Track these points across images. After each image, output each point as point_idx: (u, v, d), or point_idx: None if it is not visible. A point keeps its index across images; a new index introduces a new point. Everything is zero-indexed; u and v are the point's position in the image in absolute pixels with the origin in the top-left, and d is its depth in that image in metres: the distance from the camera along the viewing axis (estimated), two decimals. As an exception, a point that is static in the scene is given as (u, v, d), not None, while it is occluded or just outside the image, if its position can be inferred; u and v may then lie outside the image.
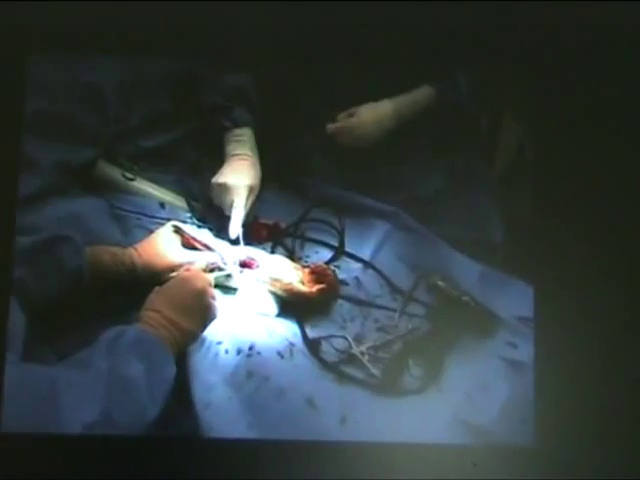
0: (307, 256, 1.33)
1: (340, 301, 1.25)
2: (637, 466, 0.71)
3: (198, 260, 1.17)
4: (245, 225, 1.26)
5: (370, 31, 0.98)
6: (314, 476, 0.77)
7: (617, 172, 0.77)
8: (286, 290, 1.22)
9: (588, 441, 0.70)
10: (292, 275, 1.23)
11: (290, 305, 1.22)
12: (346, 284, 1.29)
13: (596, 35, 0.73)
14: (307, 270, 1.25)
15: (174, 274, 1.14)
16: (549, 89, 0.76)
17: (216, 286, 1.16)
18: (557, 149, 0.79)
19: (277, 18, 0.87)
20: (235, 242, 1.25)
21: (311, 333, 1.18)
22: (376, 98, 1.29)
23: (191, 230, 1.23)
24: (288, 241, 1.35)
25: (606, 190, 0.77)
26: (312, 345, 1.16)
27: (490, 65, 1.16)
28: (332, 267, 1.30)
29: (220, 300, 1.14)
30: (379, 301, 1.26)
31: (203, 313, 1.07)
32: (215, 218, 1.31)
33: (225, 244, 1.25)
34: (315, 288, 1.22)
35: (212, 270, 1.18)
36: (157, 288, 1.07)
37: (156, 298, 1.05)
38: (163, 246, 1.17)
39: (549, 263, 0.81)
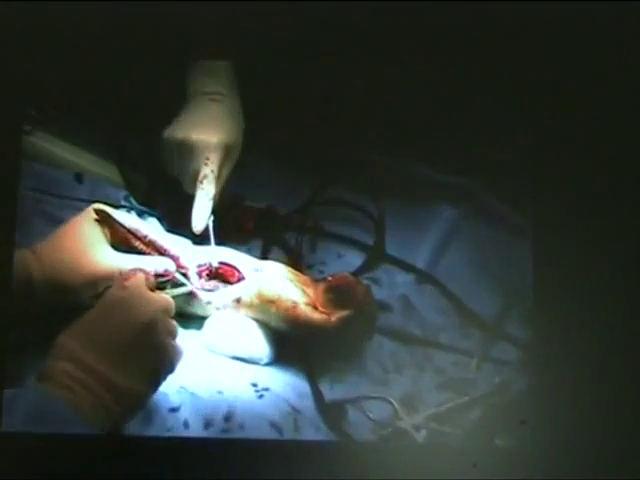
0: (323, 262, 1.22)
1: (378, 338, 1.13)
2: (638, 466, 0.83)
3: (139, 269, 1.03)
4: (219, 211, 1.13)
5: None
6: (312, 476, 0.84)
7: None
8: (287, 319, 1.08)
9: (588, 441, 0.83)
10: (296, 294, 1.09)
11: (293, 345, 1.10)
12: (388, 309, 1.17)
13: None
14: (322, 285, 1.11)
15: (102, 293, 1.00)
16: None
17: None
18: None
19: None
20: (202, 239, 1.12)
21: (330, 393, 1.07)
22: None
23: (128, 219, 1.08)
24: (290, 237, 1.22)
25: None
26: (331, 413, 1.04)
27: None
28: (364, 280, 1.17)
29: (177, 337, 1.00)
30: (444, 338, 1.15)
31: (154, 360, 0.95)
32: (168, 199, 1.20)
33: (185, 242, 1.11)
34: (335, 316, 1.09)
35: (162, 287, 1.04)
36: (77, 320, 0.94)
37: (71, 337, 0.93)
38: (80, 246, 1.03)
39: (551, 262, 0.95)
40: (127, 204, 1.20)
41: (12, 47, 1.06)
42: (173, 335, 0.98)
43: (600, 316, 0.92)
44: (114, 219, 1.06)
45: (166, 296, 0.99)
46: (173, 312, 0.98)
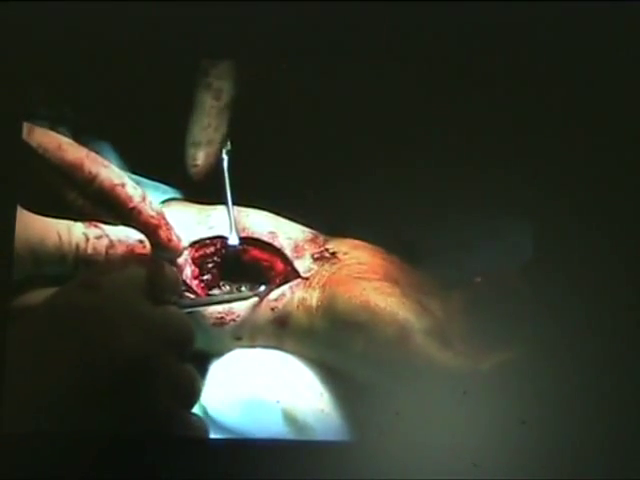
0: (464, 245, 0.92)
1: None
2: (638, 466, 0.85)
3: (130, 250, 0.77)
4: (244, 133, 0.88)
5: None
6: (312, 476, 0.80)
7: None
8: (386, 362, 0.80)
9: (589, 441, 0.85)
10: (407, 310, 0.79)
11: (397, 417, 0.82)
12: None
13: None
14: (462, 297, 0.85)
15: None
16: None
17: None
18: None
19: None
20: (204, 189, 0.84)
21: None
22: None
23: (52, 142, 0.78)
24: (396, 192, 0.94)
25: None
26: None
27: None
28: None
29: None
30: None
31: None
32: (134, 101, 0.89)
33: (167, 194, 0.87)
34: (488, 359, 0.81)
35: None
36: None
37: None
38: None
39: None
40: (47, 112, 0.90)
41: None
42: (187, 393, 0.73)
43: (600, 318, 0.86)
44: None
45: (181, 314, 0.75)
46: (192, 348, 0.74)
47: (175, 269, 0.81)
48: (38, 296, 0.77)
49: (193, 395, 0.76)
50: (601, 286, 0.92)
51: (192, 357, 0.79)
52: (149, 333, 0.74)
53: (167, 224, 0.78)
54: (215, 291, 0.82)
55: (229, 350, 0.81)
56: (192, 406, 0.76)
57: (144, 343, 0.74)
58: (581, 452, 0.87)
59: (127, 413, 0.74)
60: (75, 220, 0.77)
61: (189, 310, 0.79)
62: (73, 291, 0.75)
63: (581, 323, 0.91)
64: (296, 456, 0.84)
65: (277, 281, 0.80)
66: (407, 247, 0.92)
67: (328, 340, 0.80)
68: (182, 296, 0.81)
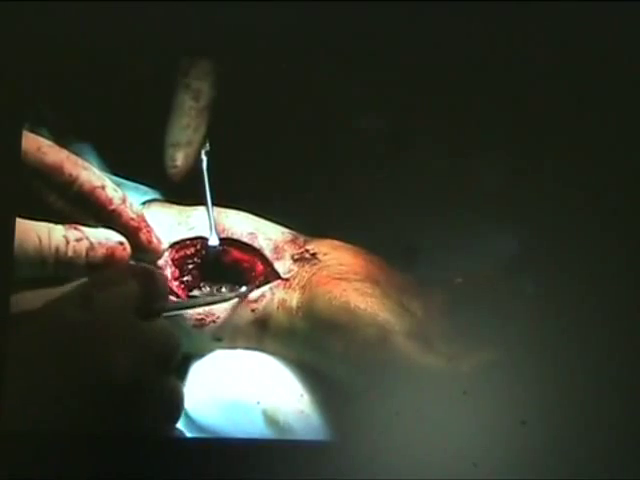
0: (446, 244, 0.91)
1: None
2: (638, 466, 0.88)
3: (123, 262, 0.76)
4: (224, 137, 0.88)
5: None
6: (310, 476, 0.81)
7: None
8: (364, 363, 0.81)
9: (590, 441, 0.86)
10: (387, 311, 0.79)
11: (377, 418, 0.83)
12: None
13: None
14: (443, 298, 0.84)
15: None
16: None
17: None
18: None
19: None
20: (183, 190, 0.84)
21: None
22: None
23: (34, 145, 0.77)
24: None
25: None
26: None
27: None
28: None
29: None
30: None
31: None
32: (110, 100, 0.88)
33: (147, 195, 0.85)
34: (467, 361, 0.81)
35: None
36: None
37: None
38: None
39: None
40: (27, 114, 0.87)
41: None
42: (173, 407, 0.73)
43: (601, 317, 0.88)
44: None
45: (168, 326, 0.73)
46: (178, 359, 0.73)
47: (165, 276, 0.81)
48: (18, 301, 0.75)
49: (178, 409, 0.75)
50: (585, 285, 0.92)
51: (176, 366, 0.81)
52: (137, 348, 0.73)
53: (147, 226, 0.77)
54: (195, 292, 0.81)
55: (209, 351, 0.80)
56: (177, 420, 0.75)
57: (132, 358, 0.72)
58: (581, 452, 0.86)
59: (114, 427, 0.72)
60: (55, 223, 0.75)
61: (172, 314, 0.78)
62: (66, 306, 0.74)
63: (565, 322, 0.91)
64: (278, 456, 0.82)
65: (257, 282, 0.79)
66: (388, 248, 0.90)
67: (308, 341, 0.79)
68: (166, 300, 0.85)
